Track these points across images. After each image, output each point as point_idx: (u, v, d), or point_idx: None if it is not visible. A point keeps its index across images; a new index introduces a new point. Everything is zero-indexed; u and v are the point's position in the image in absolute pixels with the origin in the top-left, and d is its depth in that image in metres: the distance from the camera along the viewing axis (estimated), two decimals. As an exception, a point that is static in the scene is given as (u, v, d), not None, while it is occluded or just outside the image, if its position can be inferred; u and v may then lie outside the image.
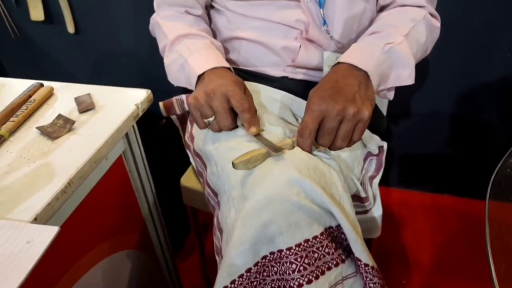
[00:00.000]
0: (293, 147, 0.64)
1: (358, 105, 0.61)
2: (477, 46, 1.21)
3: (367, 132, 0.85)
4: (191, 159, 0.90)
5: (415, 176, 1.59)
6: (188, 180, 0.99)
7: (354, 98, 0.61)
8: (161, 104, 0.85)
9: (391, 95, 0.76)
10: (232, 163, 0.59)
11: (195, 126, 0.83)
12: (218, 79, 0.66)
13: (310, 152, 0.64)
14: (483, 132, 1.38)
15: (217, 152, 0.69)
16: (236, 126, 0.67)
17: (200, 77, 0.72)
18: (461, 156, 1.47)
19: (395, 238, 1.43)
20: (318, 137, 0.63)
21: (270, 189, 0.58)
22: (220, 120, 0.65)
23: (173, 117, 0.95)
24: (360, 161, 0.84)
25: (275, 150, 0.60)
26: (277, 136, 0.67)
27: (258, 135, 0.64)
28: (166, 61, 0.80)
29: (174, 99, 0.86)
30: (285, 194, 0.58)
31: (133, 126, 0.84)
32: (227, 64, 0.73)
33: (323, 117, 0.61)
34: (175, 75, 0.79)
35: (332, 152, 0.75)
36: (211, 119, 0.66)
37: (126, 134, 0.82)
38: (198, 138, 0.79)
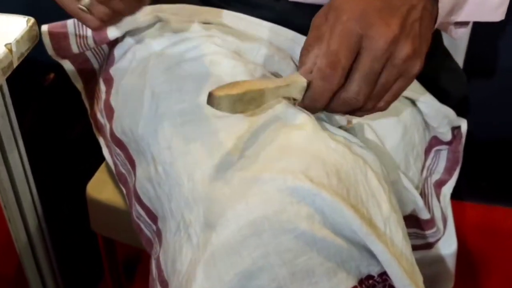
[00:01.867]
0: (302, 96, 0.64)
1: (415, 44, 0.62)
2: None
3: (433, 102, 0.85)
4: (105, 150, 0.90)
5: (504, 182, 1.60)
6: (99, 188, 0.98)
7: (413, 29, 0.62)
8: (44, 29, 0.86)
9: (458, 32, 0.78)
10: (210, 95, 0.58)
11: (115, 88, 0.84)
12: None
13: (326, 107, 0.64)
14: None
15: (161, 135, 0.70)
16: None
17: None
18: None
19: (474, 287, 1.43)
20: (343, 89, 0.63)
21: (259, 209, 0.58)
22: None
23: (70, 69, 0.94)
24: (419, 153, 0.85)
25: None
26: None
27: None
28: None
29: (70, 22, 0.86)
30: (286, 217, 0.58)
31: (0, 87, 0.84)
32: None
33: (360, 49, 0.61)
34: None
35: (368, 134, 0.77)
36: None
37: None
38: (122, 110, 0.80)
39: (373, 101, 0.64)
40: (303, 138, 0.63)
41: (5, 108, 0.85)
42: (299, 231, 0.58)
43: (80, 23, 0.84)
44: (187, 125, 0.69)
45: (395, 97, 0.64)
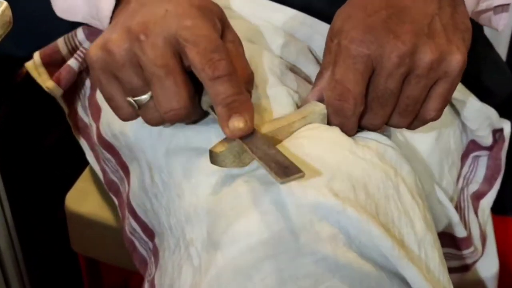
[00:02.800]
0: (326, 122, 0.66)
1: (441, 44, 0.62)
2: None
3: (472, 100, 0.85)
4: (89, 155, 0.92)
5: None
6: (81, 199, 0.99)
7: (431, 29, 0.63)
8: (36, 56, 0.89)
9: (499, 20, 0.80)
10: (211, 152, 0.59)
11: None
12: (160, 3, 0.64)
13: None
14: None
15: (158, 139, 0.70)
16: (202, 114, 0.67)
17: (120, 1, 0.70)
18: None
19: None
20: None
21: (274, 227, 0.58)
22: (159, 96, 0.62)
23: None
24: (454, 160, 0.86)
25: (286, 171, 0.58)
26: (282, 109, 0.69)
27: (250, 137, 0.63)
28: None
29: (61, 40, 0.92)
30: (305, 239, 0.58)
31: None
32: None
33: (373, 69, 0.62)
34: None
35: (398, 136, 0.78)
36: (144, 96, 0.63)
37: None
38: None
39: (407, 117, 0.65)
40: (324, 145, 0.63)
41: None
42: (320, 255, 0.57)
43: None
44: (187, 126, 0.68)
45: (444, 102, 0.65)
